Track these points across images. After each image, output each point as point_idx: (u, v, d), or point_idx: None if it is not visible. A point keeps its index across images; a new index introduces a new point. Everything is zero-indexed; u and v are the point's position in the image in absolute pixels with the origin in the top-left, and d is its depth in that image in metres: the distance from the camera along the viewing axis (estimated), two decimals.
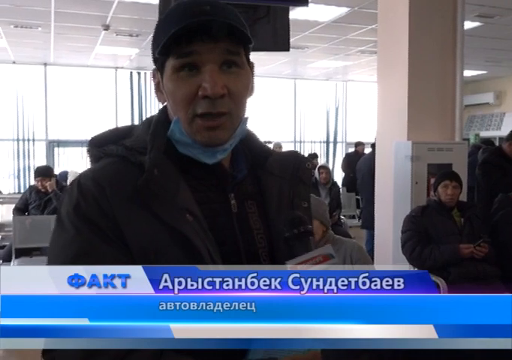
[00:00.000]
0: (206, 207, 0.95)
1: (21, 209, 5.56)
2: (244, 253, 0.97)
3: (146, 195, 0.89)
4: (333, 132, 12.76)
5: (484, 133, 11.86)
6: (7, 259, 5.39)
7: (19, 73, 10.39)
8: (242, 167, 1.03)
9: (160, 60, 0.95)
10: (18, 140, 10.60)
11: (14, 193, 10.09)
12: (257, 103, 11.89)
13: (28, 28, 7.38)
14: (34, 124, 10.64)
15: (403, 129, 4.19)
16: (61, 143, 10.61)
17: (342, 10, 6.47)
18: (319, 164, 7.33)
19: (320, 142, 12.41)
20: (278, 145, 10.08)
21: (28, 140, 10.67)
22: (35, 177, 5.59)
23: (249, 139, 1.06)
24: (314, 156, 10.17)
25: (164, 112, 1.03)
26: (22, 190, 10.34)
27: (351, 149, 11.38)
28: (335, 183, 7.04)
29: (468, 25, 6.55)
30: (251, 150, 1.07)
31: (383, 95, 4.55)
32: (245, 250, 0.97)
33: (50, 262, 0.92)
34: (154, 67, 1.00)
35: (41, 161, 10.58)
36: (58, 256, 0.90)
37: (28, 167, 10.63)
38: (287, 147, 11.86)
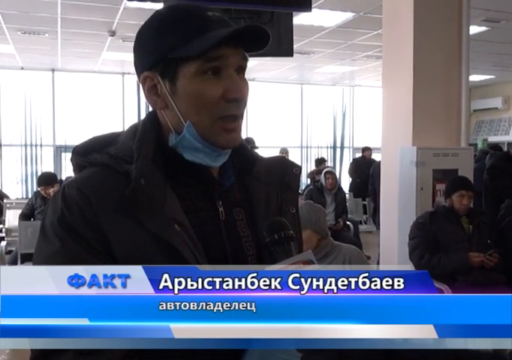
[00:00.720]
0: (193, 215, 0.94)
1: (27, 215, 5.62)
2: (232, 261, 0.96)
3: (133, 205, 0.88)
4: (340, 137, 12.74)
5: (493, 138, 11.80)
6: (13, 264, 5.41)
7: (27, 79, 10.48)
8: (229, 174, 1.01)
9: (170, 62, 0.92)
10: (26, 146, 10.68)
11: (22, 198, 10.15)
12: (263, 109, 11.92)
13: (35, 35, 7.45)
14: (41, 129, 10.72)
15: (408, 134, 4.16)
16: (68, 148, 10.64)
17: (348, 16, 6.47)
18: (325, 169, 7.32)
19: (327, 147, 12.40)
20: (285, 151, 10.07)
21: (36, 145, 10.75)
22: (38, 186, 5.63)
23: (237, 147, 1.03)
24: (322, 160, 10.16)
25: (151, 118, 1.00)
26: (29, 196, 10.38)
27: (358, 154, 11.36)
28: (340, 188, 7.02)
29: (475, 29, 6.53)
30: (238, 156, 1.06)
31: (388, 100, 4.53)
32: (234, 258, 0.96)
33: None
34: (144, 70, 0.96)
35: (49, 166, 10.65)
36: None
37: (36, 172, 10.67)
38: (294, 152, 11.87)
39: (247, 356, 0.83)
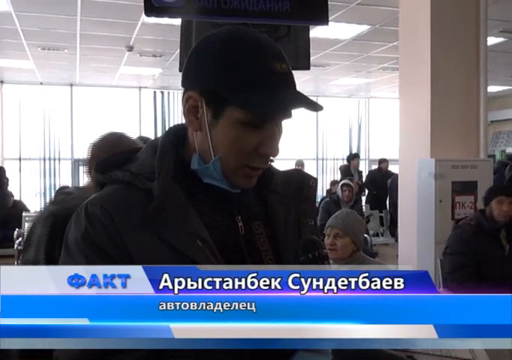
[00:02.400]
0: (214, 230, 0.94)
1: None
2: None
3: (156, 222, 0.89)
4: (356, 149, 12.68)
5: (511, 150, 11.66)
6: None
7: (46, 94, 10.65)
8: (248, 190, 1.02)
9: (221, 99, 0.91)
10: (44, 159, 10.82)
11: (40, 211, 10.23)
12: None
13: (54, 50, 7.57)
14: (60, 143, 10.85)
15: (426, 146, 4.14)
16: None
17: (363, 28, 6.48)
18: (342, 181, 7.29)
19: (343, 159, 12.33)
20: (300, 163, 10.07)
21: (54, 159, 10.88)
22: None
23: None
24: (354, 155, 10.17)
25: (171, 135, 1.02)
26: None
27: (374, 166, 11.30)
28: (357, 200, 6.99)
29: (492, 40, 6.50)
30: None
31: (405, 112, 4.52)
32: None
33: None
34: (191, 89, 0.94)
35: (67, 180, 10.76)
36: None
37: (54, 186, 10.80)
38: (309, 164, 11.85)
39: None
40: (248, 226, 1.00)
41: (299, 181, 1.10)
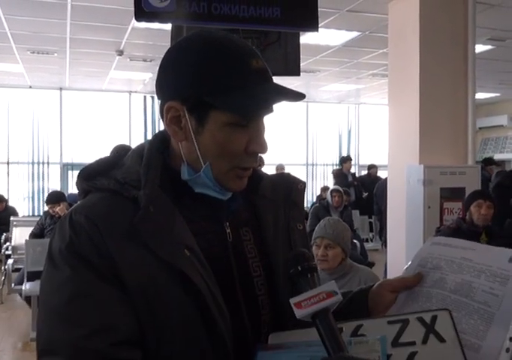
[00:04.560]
0: (201, 238, 0.93)
1: (37, 234, 5.72)
2: (239, 283, 0.95)
3: (142, 232, 0.87)
4: (346, 155, 12.74)
5: (498, 156, 11.76)
6: (20, 282, 5.41)
7: (35, 98, 10.59)
8: (236, 195, 1.01)
9: (204, 105, 0.90)
10: (33, 163, 10.74)
11: (29, 215, 10.17)
12: (269, 126, 11.92)
13: (44, 54, 7.54)
14: (49, 147, 10.79)
15: (415, 152, 4.17)
16: (75, 166, 10.70)
17: (353, 35, 6.52)
18: (332, 187, 7.32)
19: (333, 164, 12.38)
20: (281, 167, 10.11)
21: (43, 163, 10.81)
22: (47, 204, 5.76)
23: None
24: (347, 158, 10.22)
25: (157, 141, 1.00)
26: (36, 213, 10.42)
27: (364, 172, 11.35)
28: (346, 206, 7.01)
29: (480, 48, 6.56)
30: None
31: (394, 118, 4.55)
32: (240, 280, 0.96)
33: (44, 303, 0.88)
34: (171, 99, 0.92)
35: (56, 184, 10.70)
36: (52, 296, 0.87)
37: (43, 190, 10.73)
38: (299, 170, 11.87)
39: None
40: (236, 232, 0.99)
41: (288, 186, 1.10)
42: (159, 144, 0.99)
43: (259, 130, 0.93)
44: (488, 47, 6.94)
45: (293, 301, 0.80)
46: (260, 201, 1.05)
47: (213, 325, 0.86)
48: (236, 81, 0.89)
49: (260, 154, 0.98)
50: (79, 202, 0.95)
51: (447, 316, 0.85)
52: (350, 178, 9.86)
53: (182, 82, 0.91)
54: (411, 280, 0.97)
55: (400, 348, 0.83)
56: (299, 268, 0.84)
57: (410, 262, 1.03)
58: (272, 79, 0.94)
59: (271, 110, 0.94)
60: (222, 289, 0.90)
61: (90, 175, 0.97)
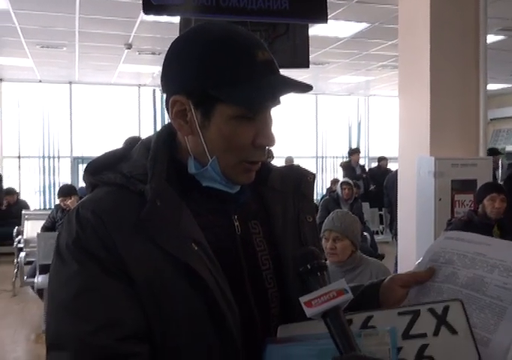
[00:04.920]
0: (209, 232, 0.92)
1: (49, 228, 5.76)
2: (248, 276, 0.95)
3: (149, 226, 0.86)
4: (356, 146, 12.70)
5: (510, 148, 11.66)
6: (32, 275, 5.47)
7: (45, 92, 10.63)
8: (244, 188, 1.00)
9: (210, 98, 0.88)
10: (44, 157, 10.81)
11: (40, 209, 10.25)
12: (278, 119, 11.91)
13: (53, 48, 7.56)
14: (59, 141, 10.85)
15: (425, 144, 4.13)
16: (85, 160, 10.76)
17: (363, 26, 6.47)
18: (342, 180, 7.30)
19: (343, 157, 12.33)
20: (290, 160, 10.09)
21: (54, 157, 10.87)
22: (58, 197, 5.82)
23: None
24: (355, 150, 10.21)
25: (164, 135, 0.99)
26: (47, 206, 10.50)
27: (374, 164, 11.30)
28: (356, 198, 6.99)
29: (492, 38, 6.48)
30: None
31: (404, 110, 4.51)
32: (249, 274, 0.95)
33: (51, 298, 0.89)
34: (176, 93, 0.91)
35: (66, 177, 10.76)
36: (60, 291, 0.87)
37: (54, 184, 10.80)
38: (309, 162, 11.83)
39: None
40: (244, 225, 0.98)
41: (297, 178, 1.09)
42: (166, 137, 0.98)
43: (266, 122, 0.91)
44: (499, 38, 6.86)
45: (303, 299, 0.79)
46: (268, 193, 1.04)
47: (221, 320, 0.86)
48: (242, 73, 0.87)
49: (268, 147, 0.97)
50: (86, 197, 0.95)
51: (459, 307, 0.84)
52: (358, 171, 9.83)
53: (186, 75, 0.90)
54: (423, 275, 0.95)
55: (411, 340, 0.82)
56: (309, 267, 0.83)
57: (422, 257, 1.01)
58: (278, 71, 0.92)
59: (278, 102, 0.92)
60: (230, 282, 0.89)
61: (97, 169, 0.96)
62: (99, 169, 0.96)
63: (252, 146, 0.91)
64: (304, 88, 0.90)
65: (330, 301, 0.77)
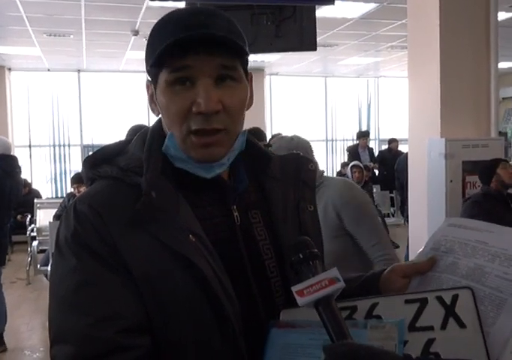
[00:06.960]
0: (208, 223, 0.92)
1: (60, 216, 5.75)
2: (250, 266, 0.94)
3: (145, 219, 0.86)
4: (366, 129, 12.60)
5: None
6: (45, 264, 5.54)
7: (53, 80, 10.65)
8: (242, 177, 0.98)
9: (152, 72, 0.91)
10: (54, 146, 10.87)
11: (52, 197, 10.33)
12: (288, 103, 11.87)
13: (60, 37, 7.55)
14: (69, 129, 10.89)
15: (436, 125, 4.08)
16: (95, 147, 10.80)
17: (371, 6, 6.37)
18: (352, 163, 7.26)
19: (353, 139, 12.26)
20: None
21: (64, 145, 10.93)
22: (71, 184, 5.88)
23: (249, 146, 1.00)
24: (364, 134, 10.14)
25: (158, 125, 0.98)
26: (59, 195, 10.58)
27: (384, 146, 11.23)
28: (367, 182, 6.96)
29: (503, 15, 6.37)
30: (251, 156, 1.03)
31: (414, 91, 4.46)
32: (251, 264, 0.94)
33: (53, 292, 0.89)
34: (148, 77, 0.95)
35: (77, 165, 10.81)
36: (60, 285, 0.87)
37: (65, 172, 10.88)
38: (319, 146, 11.79)
39: None
40: (244, 215, 0.97)
41: (298, 166, 1.07)
42: (160, 128, 0.98)
43: (201, 89, 0.86)
44: (511, 14, 6.74)
45: (294, 288, 0.78)
46: (268, 182, 1.03)
47: (220, 310, 0.85)
48: (163, 39, 0.86)
49: (267, 138, 0.95)
50: (84, 191, 0.96)
51: (469, 296, 0.82)
52: (365, 156, 9.75)
53: (146, 60, 0.93)
54: (423, 266, 0.94)
55: (417, 333, 0.81)
56: (301, 256, 0.82)
57: (424, 246, 1.00)
58: (202, 29, 0.85)
59: (216, 62, 0.86)
60: (232, 273, 0.89)
61: (95, 163, 0.97)
62: (97, 162, 0.96)
63: (193, 114, 0.88)
64: (200, 29, 0.85)
65: (322, 290, 0.77)
